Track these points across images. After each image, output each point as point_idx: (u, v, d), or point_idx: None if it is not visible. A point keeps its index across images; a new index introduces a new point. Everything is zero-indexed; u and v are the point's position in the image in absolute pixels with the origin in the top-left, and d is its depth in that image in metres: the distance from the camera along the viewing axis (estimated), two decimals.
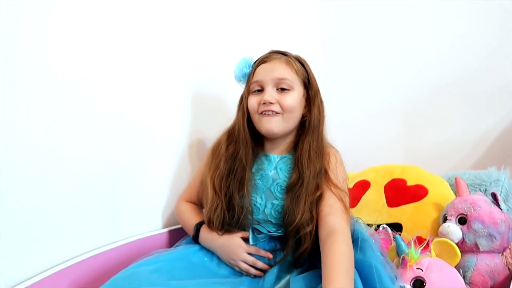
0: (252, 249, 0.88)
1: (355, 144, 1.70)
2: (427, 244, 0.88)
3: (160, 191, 1.10)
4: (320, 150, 0.90)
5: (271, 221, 0.90)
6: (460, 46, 1.51)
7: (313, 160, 0.87)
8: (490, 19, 1.45)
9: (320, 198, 0.85)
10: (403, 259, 0.84)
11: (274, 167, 0.92)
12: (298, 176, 0.86)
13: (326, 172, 0.89)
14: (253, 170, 0.92)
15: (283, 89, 0.89)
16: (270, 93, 0.88)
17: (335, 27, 1.83)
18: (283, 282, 0.83)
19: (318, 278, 0.72)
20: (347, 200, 0.86)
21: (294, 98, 0.89)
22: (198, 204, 1.05)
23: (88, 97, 0.89)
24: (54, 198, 0.84)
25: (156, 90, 1.06)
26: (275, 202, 0.89)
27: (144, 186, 1.05)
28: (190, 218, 0.98)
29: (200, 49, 1.19)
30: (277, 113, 0.88)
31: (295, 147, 0.92)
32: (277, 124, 0.89)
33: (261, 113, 0.89)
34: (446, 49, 1.54)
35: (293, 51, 0.98)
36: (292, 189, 0.86)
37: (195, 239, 0.93)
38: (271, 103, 0.87)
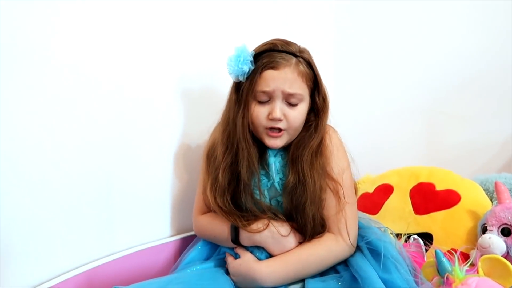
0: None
1: (372, 145, 1.58)
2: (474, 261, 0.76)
3: (161, 195, 1.00)
4: (321, 145, 0.84)
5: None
6: (486, 39, 1.38)
7: (314, 165, 0.81)
8: None
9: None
10: (447, 278, 0.72)
11: (273, 161, 0.86)
12: (298, 179, 0.80)
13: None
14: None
15: (291, 103, 0.81)
16: (280, 108, 0.80)
17: (349, 19, 1.70)
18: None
19: (336, 283, 0.74)
20: (342, 192, 0.82)
21: (301, 113, 0.83)
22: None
23: (80, 98, 0.82)
24: (41, 205, 0.75)
25: (147, 89, 0.96)
26: (279, 199, 0.85)
27: (142, 190, 0.95)
28: (218, 223, 0.87)
29: (194, 45, 1.08)
30: (283, 130, 0.82)
31: (290, 143, 0.85)
32: (281, 141, 0.83)
33: (266, 128, 0.82)
34: (470, 42, 1.41)
35: (305, 46, 0.86)
36: (292, 191, 0.81)
37: (235, 241, 0.83)
38: (280, 120, 0.80)
